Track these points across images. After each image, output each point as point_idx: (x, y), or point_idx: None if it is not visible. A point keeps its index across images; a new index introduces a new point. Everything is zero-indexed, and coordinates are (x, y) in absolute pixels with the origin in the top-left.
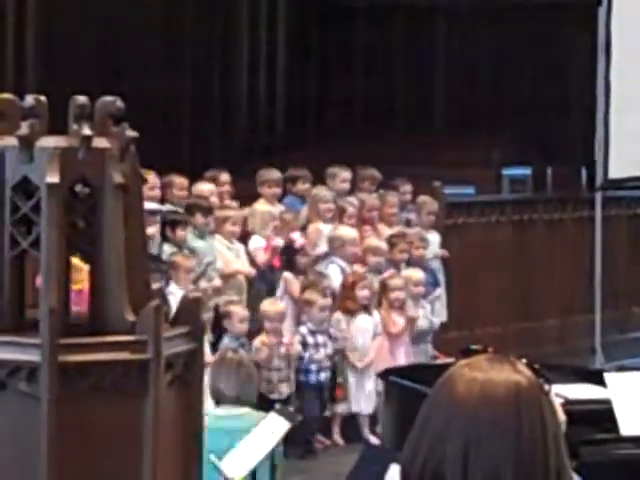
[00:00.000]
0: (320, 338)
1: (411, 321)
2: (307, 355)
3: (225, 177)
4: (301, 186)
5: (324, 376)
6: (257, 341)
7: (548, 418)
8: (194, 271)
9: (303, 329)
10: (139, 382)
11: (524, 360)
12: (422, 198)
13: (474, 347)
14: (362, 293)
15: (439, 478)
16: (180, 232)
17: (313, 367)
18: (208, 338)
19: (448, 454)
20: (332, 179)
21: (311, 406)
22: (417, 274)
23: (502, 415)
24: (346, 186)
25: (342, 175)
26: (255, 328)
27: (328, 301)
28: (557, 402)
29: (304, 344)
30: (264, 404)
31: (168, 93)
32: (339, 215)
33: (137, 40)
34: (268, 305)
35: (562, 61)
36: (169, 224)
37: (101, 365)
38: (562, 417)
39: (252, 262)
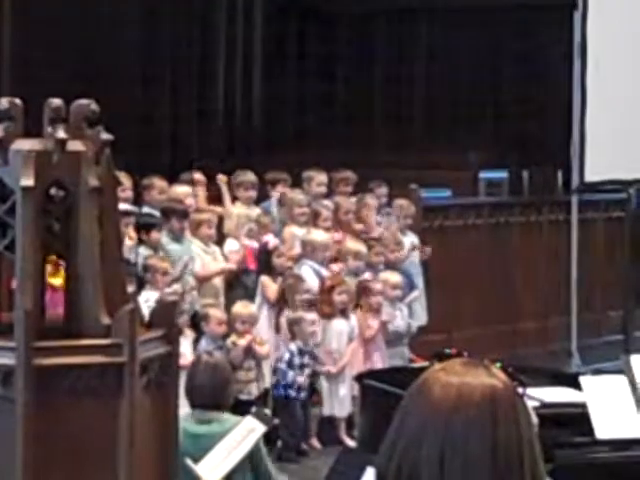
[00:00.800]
0: (305, 359)
1: (384, 325)
2: (291, 374)
3: (201, 179)
4: (282, 189)
5: (304, 395)
6: (228, 341)
7: (523, 422)
8: (169, 274)
9: (292, 346)
10: (114, 385)
11: (498, 364)
12: (399, 201)
13: (448, 351)
14: (340, 298)
15: None
16: (155, 234)
17: (292, 389)
18: (190, 336)
19: (424, 457)
20: (308, 182)
21: (295, 415)
22: (394, 277)
23: (477, 419)
24: (322, 189)
25: (318, 178)
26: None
27: (314, 315)
28: (530, 405)
29: (290, 363)
30: (234, 404)
31: (146, 97)
32: (314, 218)
33: (114, 43)
34: (240, 307)
35: (539, 64)
36: (143, 227)
37: (76, 368)
38: (534, 420)
39: None
